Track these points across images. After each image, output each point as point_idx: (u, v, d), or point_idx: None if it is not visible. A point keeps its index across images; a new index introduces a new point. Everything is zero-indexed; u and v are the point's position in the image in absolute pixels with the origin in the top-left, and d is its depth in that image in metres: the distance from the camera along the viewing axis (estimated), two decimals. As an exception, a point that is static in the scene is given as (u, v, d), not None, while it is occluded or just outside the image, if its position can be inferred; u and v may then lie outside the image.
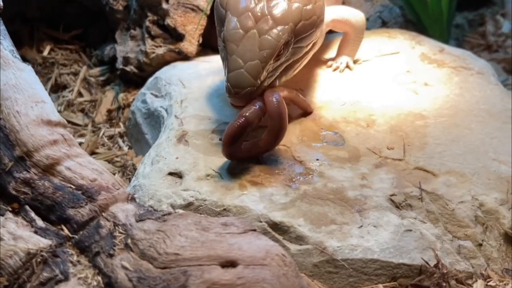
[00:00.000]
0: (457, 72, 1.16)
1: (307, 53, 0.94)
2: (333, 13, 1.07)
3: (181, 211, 0.82)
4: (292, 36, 0.87)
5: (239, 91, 0.83)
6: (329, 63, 1.15)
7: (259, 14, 0.86)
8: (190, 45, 1.24)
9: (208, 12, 1.24)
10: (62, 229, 0.72)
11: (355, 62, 1.15)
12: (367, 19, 1.48)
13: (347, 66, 1.14)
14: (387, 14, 1.57)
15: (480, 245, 0.82)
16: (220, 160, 0.88)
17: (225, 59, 0.88)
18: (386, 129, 0.98)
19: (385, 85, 1.10)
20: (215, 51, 1.29)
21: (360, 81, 1.11)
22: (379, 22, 1.54)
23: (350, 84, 1.10)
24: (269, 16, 0.86)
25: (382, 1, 1.57)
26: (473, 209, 0.84)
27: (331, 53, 1.17)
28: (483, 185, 0.87)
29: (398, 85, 1.10)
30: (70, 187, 0.74)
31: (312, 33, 0.91)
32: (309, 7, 0.88)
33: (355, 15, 1.11)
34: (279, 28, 0.85)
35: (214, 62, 1.21)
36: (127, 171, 1.10)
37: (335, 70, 1.14)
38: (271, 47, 0.84)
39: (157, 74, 1.19)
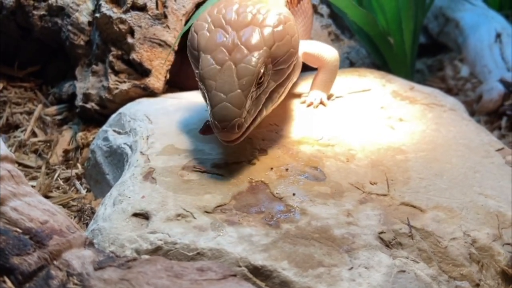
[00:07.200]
0: (430, 109, 1.16)
1: (289, 76, 0.92)
2: (305, 47, 1.06)
3: (147, 257, 0.72)
4: (269, 60, 0.86)
5: (226, 124, 0.80)
6: (303, 98, 1.12)
7: (231, 45, 0.85)
8: (156, 80, 1.18)
9: (175, 48, 1.19)
10: (4, 281, 0.61)
11: (328, 98, 1.13)
12: (335, 60, 1.49)
13: (321, 102, 1.12)
14: (355, 55, 1.59)
15: (478, 285, 0.76)
16: (192, 198, 0.80)
17: (206, 99, 0.85)
18: (367, 163, 0.94)
19: (361, 120, 1.08)
20: (183, 90, 1.24)
21: (336, 116, 1.08)
22: (347, 62, 1.56)
23: (325, 119, 1.07)
24: (242, 46, 0.85)
25: (349, 43, 1.60)
26: (466, 246, 0.79)
27: (305, 88, 1.15)
28: (473, 221, 0.83)
29: (374, 120, 1.08)
30: (16, 231, 0.63)
31: (290, 54, 0.90)
32: (279, 28, 0.88)
33: (328, 51, 1.10)
34: (254, 54, 0.84)
35: (183, 98, 1.15)
36: (84, 216, 0.99)
37: (309, 106, 1.11)
38: (249, 74, 0.83)
39: (121, 110, 1.11)
